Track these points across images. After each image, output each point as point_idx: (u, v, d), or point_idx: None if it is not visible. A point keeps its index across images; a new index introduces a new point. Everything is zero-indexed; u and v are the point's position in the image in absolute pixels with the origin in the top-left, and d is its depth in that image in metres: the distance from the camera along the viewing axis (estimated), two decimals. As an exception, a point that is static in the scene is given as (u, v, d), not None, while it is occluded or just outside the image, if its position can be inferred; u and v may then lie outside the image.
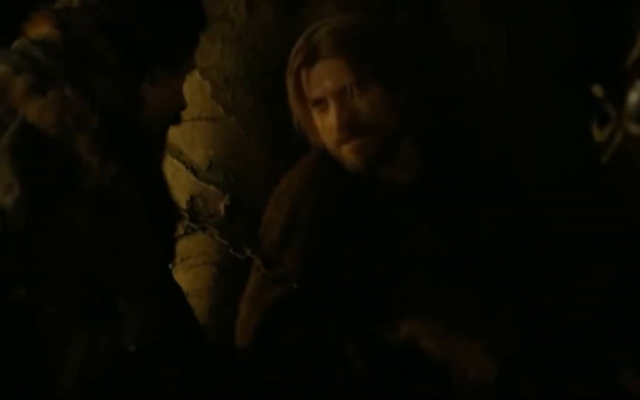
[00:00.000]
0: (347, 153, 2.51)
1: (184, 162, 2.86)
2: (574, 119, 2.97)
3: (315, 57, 2.50)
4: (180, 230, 2.75)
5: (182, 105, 2.29)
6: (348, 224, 2.49)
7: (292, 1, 2.84)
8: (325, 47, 2.49)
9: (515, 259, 2.53)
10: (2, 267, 1.96)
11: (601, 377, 2.53)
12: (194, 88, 2.82)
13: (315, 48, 2.50)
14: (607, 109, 4.69)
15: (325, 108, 2.50)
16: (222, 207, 2.83)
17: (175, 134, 2.77)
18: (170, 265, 2.40)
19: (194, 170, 2.85)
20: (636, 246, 2.96)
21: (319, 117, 2.53)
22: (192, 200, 2.84)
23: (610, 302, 2.81)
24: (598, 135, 4.43)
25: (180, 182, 2.83)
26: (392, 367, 2.35)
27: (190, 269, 2.83)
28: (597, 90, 4.68)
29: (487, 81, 2.86)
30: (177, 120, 2.31)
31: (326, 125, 2.52)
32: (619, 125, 4.61)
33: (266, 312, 2.46)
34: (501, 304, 2.42)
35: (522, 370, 2.41)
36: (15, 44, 2.13)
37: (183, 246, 2.78)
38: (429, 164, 2.59)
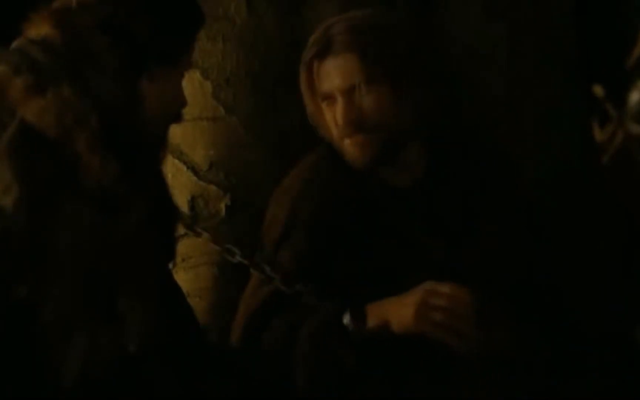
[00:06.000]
0: (349, 147, 2.51)
1: (184, 162, 2.86)
2: (575, 119, 2.97)
3: (328, 51, 2.49)
4: (181, 230, 2.74)
5: (183, 103, 2.28)
6: (348, 225, 2.49)
7: (292, 1, 2.84)
8: (339, 42, 2.48)
9: (516, 260, 2.53)
10: (2, 267, 1.96)
11: (601, 378, 2.54)
12: (195, 88, 2.82)
13: (330, 42, 2.48)
14: (607, 109, 4.69)
15: (334, 102, 2.50)
16: (222, 207, 2.83)
17: (176, 134, 2.77)
18: (170, 265, 2.40)
19: (194, 170, 2.85)
20: (636, 246, 2.96)
21: (327, 110, 2.53)
22: (192, 200, 2.84)
23: (610, 301, 2.82)
24: (598, 135, 4.43)
25: (181, 182, 2.84)
26: (383, 361, 2.36)
27: (191, 269, 2.84)
28: (598, 90, 4.68)
29: (488, 81, 2.86)
30: (178, 118, 2.30)
31: (333, 119, 2.52)
32: (620, 125, 4.62)
33: (253, 311, 2.48)
34: (502, 305, 2.42)
35: (522, 373, 2.41)
36: (14, 44, 2.13)
37: (184, 246, 2.78)
38: (433, 167, 2.58)
